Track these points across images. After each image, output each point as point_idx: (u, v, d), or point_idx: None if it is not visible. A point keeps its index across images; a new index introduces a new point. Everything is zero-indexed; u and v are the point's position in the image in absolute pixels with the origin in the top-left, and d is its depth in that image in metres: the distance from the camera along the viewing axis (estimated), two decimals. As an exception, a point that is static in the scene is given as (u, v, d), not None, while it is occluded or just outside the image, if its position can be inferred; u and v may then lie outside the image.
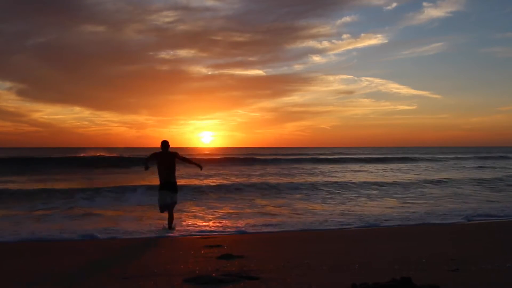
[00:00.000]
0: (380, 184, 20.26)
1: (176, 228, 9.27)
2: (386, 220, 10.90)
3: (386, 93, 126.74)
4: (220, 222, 10.48)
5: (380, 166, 36.73)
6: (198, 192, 16.79)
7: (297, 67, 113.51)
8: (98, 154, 37.69)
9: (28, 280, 4.98)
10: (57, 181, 21.65)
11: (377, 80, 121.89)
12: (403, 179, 23.28)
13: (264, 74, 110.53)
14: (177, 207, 9.83)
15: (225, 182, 20.73)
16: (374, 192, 17.73)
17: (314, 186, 19.06)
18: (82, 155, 37.24)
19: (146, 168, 8.82)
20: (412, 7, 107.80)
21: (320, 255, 6.40)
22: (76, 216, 11.55)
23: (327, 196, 16.29)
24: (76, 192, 15.69)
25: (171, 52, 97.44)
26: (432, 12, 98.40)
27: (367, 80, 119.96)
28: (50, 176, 23.96)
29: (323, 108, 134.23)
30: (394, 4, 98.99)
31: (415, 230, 9.67)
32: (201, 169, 9.31)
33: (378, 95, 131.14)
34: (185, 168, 22.48)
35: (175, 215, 9.63)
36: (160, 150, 8.98)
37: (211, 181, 21.39)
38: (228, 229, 9.54)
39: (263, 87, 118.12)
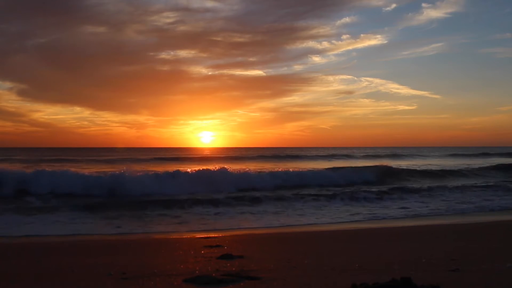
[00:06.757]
0: None
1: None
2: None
3: (386, 93, 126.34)
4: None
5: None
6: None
7: (297, 67, 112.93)
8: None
9: (28, 279, 4.98)
10: None
11: (377, 80, 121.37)
12: None
13: (264, 74, 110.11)
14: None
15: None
16: None
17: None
18: None
19: None
20: (411, 8, 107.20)
21: (320, 255, 6.40)
22: None
23: None
24: None
25: (172, 53, 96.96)
26: (432, 13, 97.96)
27: (367, 80, 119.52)
28: None
29: (323, 108, 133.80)
30: (393, 5, 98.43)
31: (415, 230, 9.67)
32: None
33: (378, 95, 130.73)
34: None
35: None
36: None
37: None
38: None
39: (263, 87, 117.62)
